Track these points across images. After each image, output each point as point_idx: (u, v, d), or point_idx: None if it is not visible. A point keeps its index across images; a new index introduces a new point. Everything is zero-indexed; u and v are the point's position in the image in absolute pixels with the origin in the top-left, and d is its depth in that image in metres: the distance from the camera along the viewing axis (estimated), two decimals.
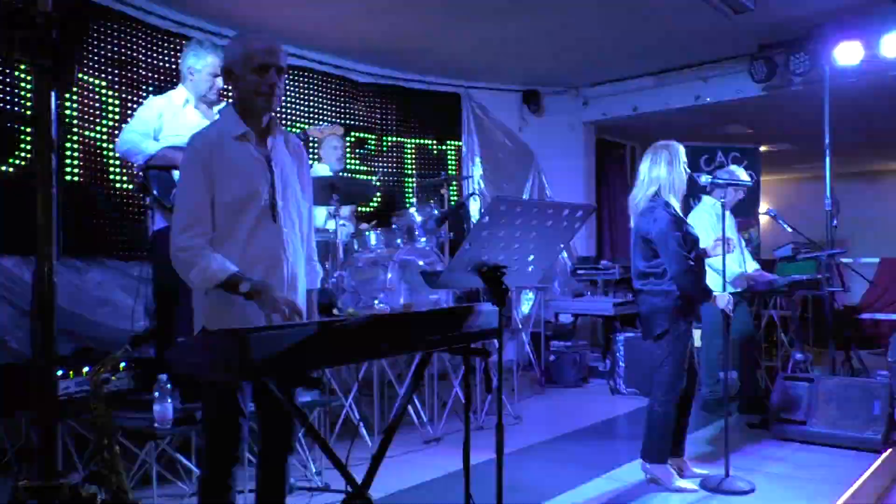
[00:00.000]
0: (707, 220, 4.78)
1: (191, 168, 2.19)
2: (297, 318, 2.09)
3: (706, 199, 4.99)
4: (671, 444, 3.61)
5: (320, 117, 6.45)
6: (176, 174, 3.56)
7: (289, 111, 6.24)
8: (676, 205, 3.61)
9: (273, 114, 2.31)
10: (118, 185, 4.86)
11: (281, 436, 2.35)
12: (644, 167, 3.65)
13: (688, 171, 3.68)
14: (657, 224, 3.49)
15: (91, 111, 4.73)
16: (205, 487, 2.22)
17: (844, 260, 5.54)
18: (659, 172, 3.58)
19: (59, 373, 3.28)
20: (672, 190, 3.58)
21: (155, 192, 3.57)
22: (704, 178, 4.10)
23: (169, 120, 3.68)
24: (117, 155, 3.80)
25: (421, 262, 4.60)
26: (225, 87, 2.50)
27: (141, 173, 3.63)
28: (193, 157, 2.19)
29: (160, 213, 3.61)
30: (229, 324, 2.10)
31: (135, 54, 4.98)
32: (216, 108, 3.88)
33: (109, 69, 4.84)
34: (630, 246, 3.76)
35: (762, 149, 8.61)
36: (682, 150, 3.65)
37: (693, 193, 5.60)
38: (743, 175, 4.86)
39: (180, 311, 3.57)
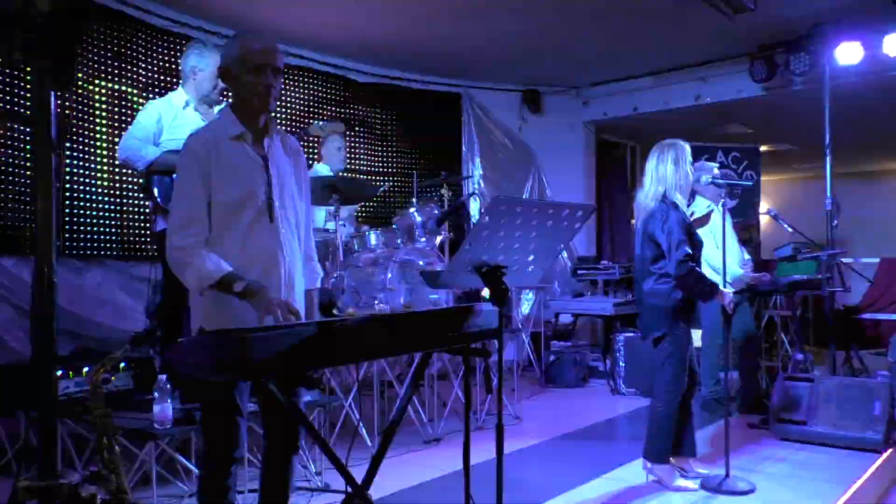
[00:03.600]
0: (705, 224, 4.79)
1: (187, 168, 2.19)
2: (294, 320, 2.08)
3: (699, 201, 4.99)
4: (672, 445, 3.61)
5: (320, 117, 6.45)
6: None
7: (289, 111, 6.24)
8: (683, 205, 3.62)
9: (270, 114, 2.31)
10: (117, 185, 4.86)
11: (285, 435, 2.35)
12: (651, 166, 3.64)
13: (694, 170, 3.69)
14: (667, 227, 3.48)
15: (90, 111, 4.73)
16: (204, 488, 2.21)
17: (844, 260, 5.53)
18: (666, 172, 3.58)
19: (59, 373, 3.28)
20: (679, 189, 3.59)
21: (157, 197, 3.60)
22: (704, 179, 4.11)
23: (169, 123, 3.67)
24: (118, 160, 3.83)
25: (421, 262, 4.59)
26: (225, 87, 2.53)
27: (142, 179, 3.68)
28: (190, 157, 2.18)
29: (161, 216, 3.63)
30: (225, 324, 2.09)
31: (134, 54, 4.97)
32: (217, 109, 3.88)
33: (108, 69, 4.83)
34: (633, 245, 3.77)
35: (762, 149, 8.61)
36: (688, 148, 3.66)
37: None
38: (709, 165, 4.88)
39: (188, 315, 3.59)
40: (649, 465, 3.59)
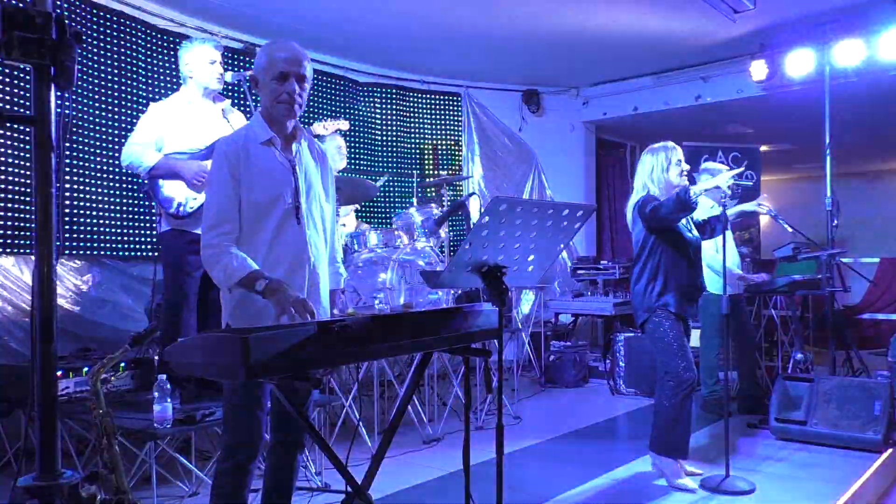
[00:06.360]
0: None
1: (219, 170, 2.26)
2: (310, 319, 2.08)
3: (703, 202, 4.98)
4: (683, 441, 3.60)
5: (320, 117, 6.45)
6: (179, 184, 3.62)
7: None
8: None
9: (297, 120, 2.36)
10: (117, 185, 4.86)
11: (291, 433, 2.38)
12: (642, 172, 3.69)
13: (686, 169, 3.70)
14: (641, 203, 3.55)
15: (90, 111, 4.73)
16: (221, 481, 2.23)
17: (844, 260, 5.53)
18: (657, 175, 3.62)
19: (59, 373, 3.28)
20: (666, 193, 3.62)
21: (159, 199, 3.65)
22: (704, 179, 4.11)
23: (172, 124, 3.68)
24: (122, 165, 3.87)
25: (421, 262, 4.60)
26: (253, 93, 2.55)
27: (146, 182, 3.71)
28: (222, 159, 2.26)
29: (164, 217, 3.67)
30: (250, 322, 2.18)
31: (134, 54, 4.97)
32: (221, 105, 3.87)
33: (108, 68, 4.83)
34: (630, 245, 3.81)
35: (762, 149, 8.61)
36: (678, 150, 3.67)
37: None
38: (717, 166, 4.86)
39: (186, 315, 3.60)
40: (655, 456, 3.62)
